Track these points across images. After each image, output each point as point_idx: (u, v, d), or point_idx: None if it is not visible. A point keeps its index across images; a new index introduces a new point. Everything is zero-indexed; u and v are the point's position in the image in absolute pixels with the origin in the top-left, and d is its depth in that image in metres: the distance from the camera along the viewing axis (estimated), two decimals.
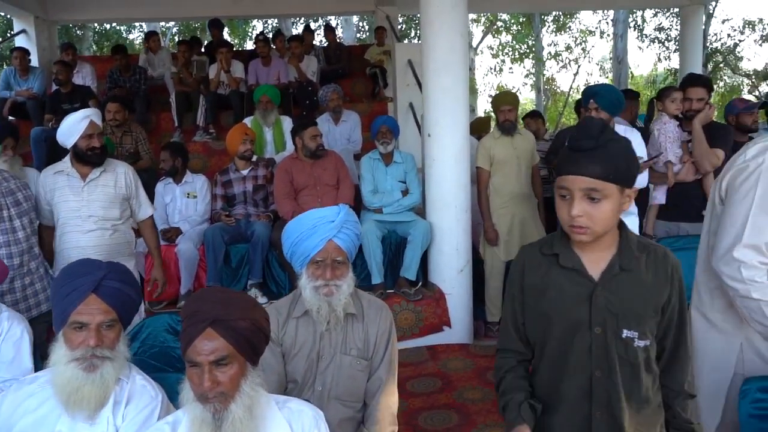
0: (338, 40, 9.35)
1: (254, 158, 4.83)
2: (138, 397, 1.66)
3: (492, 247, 4.49)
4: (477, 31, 19.57)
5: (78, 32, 16.48)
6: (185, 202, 4.70)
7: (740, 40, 18.48)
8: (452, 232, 4.32)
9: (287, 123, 5.59)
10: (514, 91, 19.98)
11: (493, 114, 4.98)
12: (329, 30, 8.84)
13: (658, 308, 1.48)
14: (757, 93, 18.45)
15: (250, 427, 1.39)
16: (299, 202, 4.41)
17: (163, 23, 16.48)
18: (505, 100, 4.44)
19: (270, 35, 8.24)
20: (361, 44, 11.74)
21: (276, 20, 15.29)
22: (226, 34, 14.37)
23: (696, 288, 2.02)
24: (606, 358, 1.47)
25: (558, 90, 20.75)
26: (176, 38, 16.02)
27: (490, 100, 19.89)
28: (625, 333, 1.46)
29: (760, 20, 18.63)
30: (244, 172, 4.71)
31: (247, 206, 4.68)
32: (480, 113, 18.81)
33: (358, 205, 4.66)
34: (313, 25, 14.68)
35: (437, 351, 4.28)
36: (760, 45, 19.59)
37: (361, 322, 1.97)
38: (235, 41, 18.40)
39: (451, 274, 4.38)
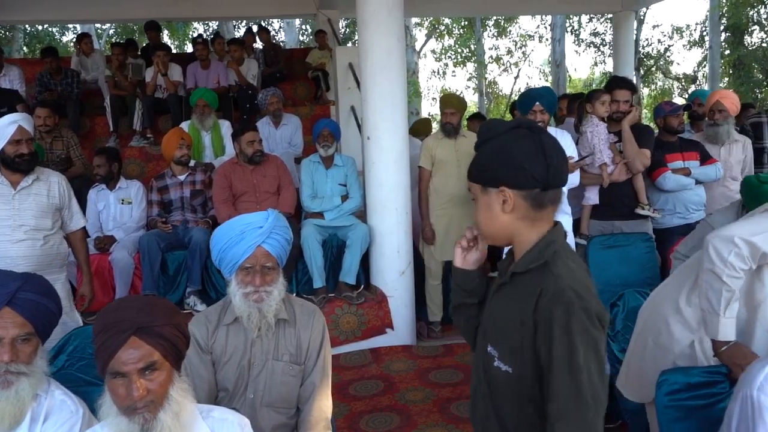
0: (273, 41, 9.27)
1: (192, 163, 4.73)
2: (57, 413, 1.60)
3: (429, 247, 4.54)
4: (420, 35, 19.80)
5: (7, 34, 15.80)
6: (120, 208, 4.57)
7: (669, 45, 19.31)
8: (393, 235, 4.34)
9: (226, 127, 5.51)
10: (458, 93, 20.31)
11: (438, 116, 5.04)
12: (263, 30, 8.76)
13: (519, 337, 1.26)
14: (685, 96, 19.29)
15: None
16: (238, 208, 4.34)
17: (98, 25, 15.97)
18: (449, 102, 4.49)
19: (210, 38, 8.10)
20: (304, 47, 11.67)
21: (217, 23, 15.06)
22: (165, 37, 14.05)
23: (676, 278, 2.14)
24: (476, 367, 1.40)
25: (500, 93, 21.15)
26: (112, 40, 15.55)
27: (434, 103, 20.15)
28: (489, 348, 1.34)
29: (687, 26, 19.51)
30: (181, 178, 4.61)
31: (185, 212, 4.58)
32: (424, 116, 19.01)
33: (301, 210, 4.64)
34: (254, 28, 14.55)
35: (380, 353, 4.29)
36: (688, 50, 20.45)
37: (294, 328, 1.96)
38: (175, 44, 18.01)
39: (392, 276, 4.40)
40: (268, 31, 8.96)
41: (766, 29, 17.12)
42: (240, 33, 15.19)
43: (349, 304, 4.34)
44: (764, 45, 17.18)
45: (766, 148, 4.60)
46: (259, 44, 8.77)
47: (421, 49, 19.41)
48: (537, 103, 3.60)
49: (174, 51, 11.50)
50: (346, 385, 3.85)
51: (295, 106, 7.58)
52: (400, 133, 4.27)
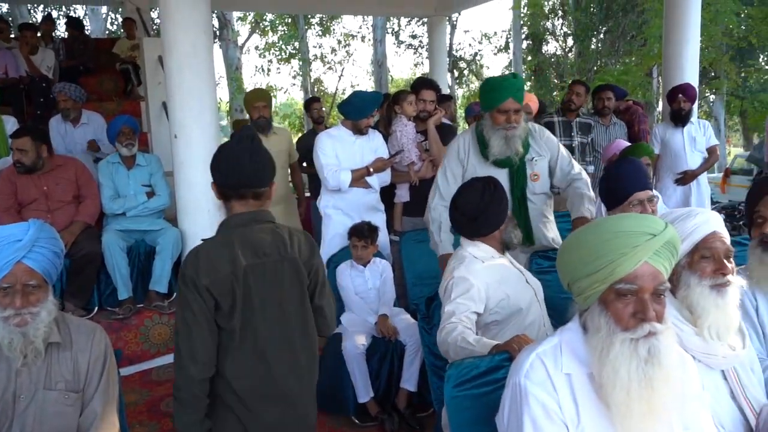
0: (86, 32, 8.48)
1: None
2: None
3: None
4: (244, 30, 19.30)
5: None
6: None
7: (479, 50, 20.83)
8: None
9: (11, 124, 4.86)
10: (282, 91, 20.14)
11: None
12: (73, 22, 7.95)
13: None
14: None
15: None
16: (26, 218, 3.83)
17: None
18: (258, 96, 4.37)
19: None
20: (111, 37, 10.78)
21: (7, 5, 13.35)
22: None
23: None
24: None
25: (325, 91, 21.34)
26: None
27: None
28: None
29: (495, 33, 21.16)
30: None
31: None
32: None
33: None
34: (54, 14, 13.14)
35: None
36: (495, 54, 22.23)
37: (69, 351, 1.74)
38: None
39: None
40: (81, 23, 8.13)
41: (559, 40, 19.15)
42: (36, 19, 13.66)
43: (160, 314, 4.06)
44: (558, 54, 19.19)
45: None
46: (61, 33, 7.93)
47: (244, 44, 18.91)
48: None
49: None
50: (157, 402, 3.60)
51: (101, 102, 6.95)
52: (210, 131, 4.06)
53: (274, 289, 1.78)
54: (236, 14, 16.76)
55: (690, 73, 5.60)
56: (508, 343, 1.76)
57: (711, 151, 5.24)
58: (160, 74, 6.07)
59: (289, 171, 4.89)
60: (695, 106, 5.48)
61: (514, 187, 2.91)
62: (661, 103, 6.16)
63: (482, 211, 2.30)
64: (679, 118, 5.11)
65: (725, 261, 1.65)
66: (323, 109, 6.41)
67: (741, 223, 8.34)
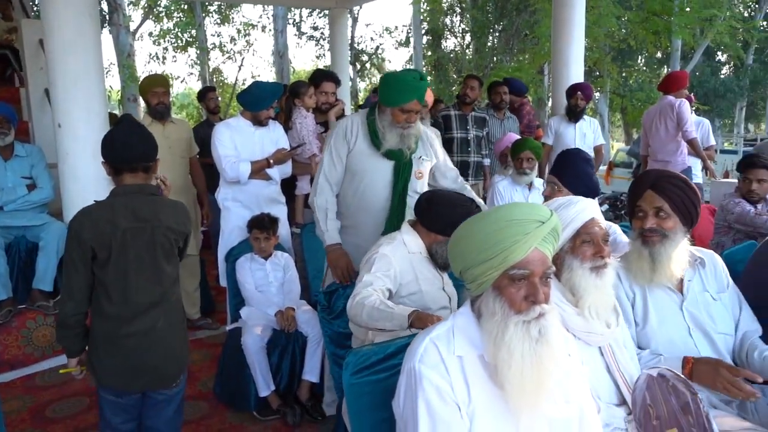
0: None
1: None
2: None
3: None
4: (136, 15, 18.35)
5: None
6: None
7: (381, 44, 21.02)
8: None
9: None
10: (179, 81, 19.37)
11: None
12: None
13: None
14: None
15: None
16: None
17: None
18: (157, 81, 4.18)
19: None
20: None
21: None
22: None
23: None
24: None
25: (225, 81, 20.76)
26: None
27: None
28: None
29: (396, 28, 21.44)
30: None
31: None
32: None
33: None
34: None
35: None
36: (396, 49, 22.52)
37: None
38: None
39: None
40: None
41: (457, 36, 19.69)
42: None
43: (44, 314, 3.81)
44: (456, 50, 19.73)
45: (454, 138, 5.24)
46: None
47: (136, 30, 17.99)
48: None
49: None
50: (42, 408, 3.39)
51: None
52: (98, 120, 3.84)
53: (147, 249, 2.12)
54: None
55: (576, 71, 5.94)
56: (430, 318, 1.83)
57: (596, 150, 5.61)
58: (42, 59, 5.68)
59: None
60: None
61: (398, 181, 2.84)
62: (551, 99, 6.49)
63: (445, 207, 2.36)
64: (574, 114, 5.44)
65: (603, 244, 1.79)
66: (219, 99, 6.22)
67: (623, 212, 8.99)
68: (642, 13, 12.30)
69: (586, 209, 1.83)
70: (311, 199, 2.93)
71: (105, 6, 14.29)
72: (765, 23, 21.77)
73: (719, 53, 22.98)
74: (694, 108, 5.77)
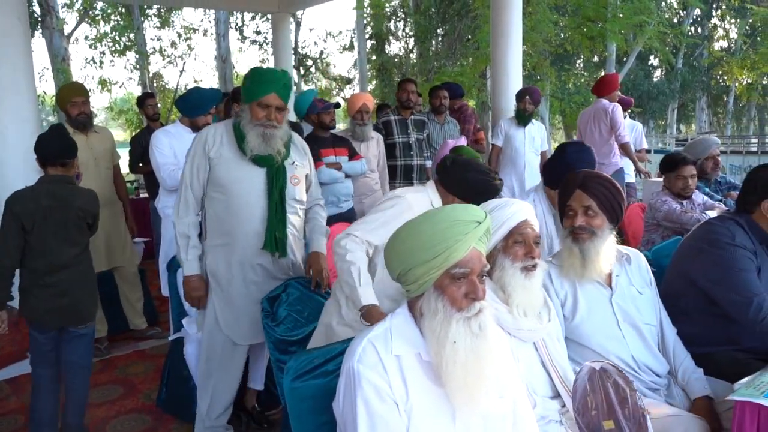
0: None
1: None
2: None
3: None
4: (71, 17, 17.73)
5: None
6: None
7: (325, 48, 20.99)
8: None
9: None
10: (118, 86, 18.82)
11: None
12: None
13: None
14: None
15: None
16: None
17: None
18: (76, 91, 4.04)
19: None
20: None
21: None
22: None
23: None
24: None
25: (166, 86, 20.29)
26: None
27: (93, 93, 18.27)
28: None
29: (340, 32, 21.46)
30: None
31: None
32: None
33: None
34: None
35: (21, 383, 3.73)
36: (341, 53, 22.54)
37: None
38: None
39: None
40: None
41: (401, 41, 19.87)
42: None
43: None
44: (401, 54, 19.90)
45: (396, 142, 5.29)
46: None
47: (71, 33, 17.38)
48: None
49: None
50: None
51: None
52: (30, 127, 3.74)
53: (61, 222, 2.79)
54: (61, 0, 15.40)
55: (514, 75, 6.11)
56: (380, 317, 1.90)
57: (542, 155, 5.78)
58: None
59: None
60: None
61: (273, 189, 2.59)
62: (492, 103, 6.64)
63: (469, 171, 2.27)
64: (523, 118, 5.59)
65: (534, 246, 1.86)
66: (158, 105, 6.07)
67: None
68: (577, 18, 12.73)
69: (520, 210, 1.90)
70: (174, 220, 2.65)
71: (37, 9, 13.76)
72: (692, 29, 22.87)
73: (652, 57, 23.98)
74: (629, 111, 6.01)
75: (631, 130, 6.00)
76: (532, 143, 5.61)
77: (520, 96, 5.61)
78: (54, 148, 2.85)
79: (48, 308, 2.78)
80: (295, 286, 2.68)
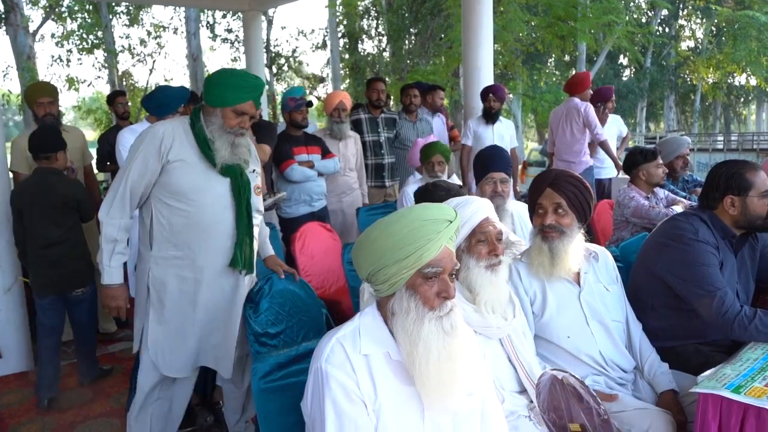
0: None
1: None
2: None
3: None
4: (36, 15, 17.35)
5: None
6: None
7: (297, 47, 20.88)
8: None
9: None
10: (86, 84, 18.48)
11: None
12: None
13: None
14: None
15: None
16: None
17: None
18: (42, 91, 3.97)
19: None
20: None
21: None
22: None
23: None
24: None
25: (135, 85, 19.98)
26: None
27: (61, 91, 17.79)
28: None
29: (313, 31, 21.35)
30: None
31: None
32: None
33: None
34: None
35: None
36: (314, 51, 22.44)
37: None
38: None
39: None
40: None
41: (374, 39, 19.86)
42: None
43: None
44: (374, 52, 19.89)
45: (366, 141, 5.28)
46: None
47: (36, 31, 17.01)
48: None
49: None
50: None
51: None
52: None
53: (48, 206, 3.37)
54: None
55: (485, 73, 6.13)
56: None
57: (511, 152, 5.79)
58: None
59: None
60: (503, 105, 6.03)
61: (240, 200, 2.41)
62: (464, 102, 6.66)
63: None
64: (490, 116, 5.58)
65: (497, 243, 1.87)
66: (128, 104, 5.97)
67: None
68: (548, 18, 12.89)
69: (481, 208, 1.90)
70: (101, 219, 2.39)
71: (1, 6, 13.43)
72: (660, 29, 23.28)
73: (621, 57, 24.37)
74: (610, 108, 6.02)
75: (616, 122, 6.12)
76: (501, 141, 5.58)
77: (484, 95, 5.57)
78: (35, 143, 3.39)
79: (44, 277, 3.40)
80: (278, 279, 2.63)
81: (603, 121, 5.75)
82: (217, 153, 2.33)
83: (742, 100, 31.76)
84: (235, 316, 2.52)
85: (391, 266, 1.46)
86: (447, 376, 1.44)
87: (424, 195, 2.53)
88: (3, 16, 13.49)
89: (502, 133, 5.66)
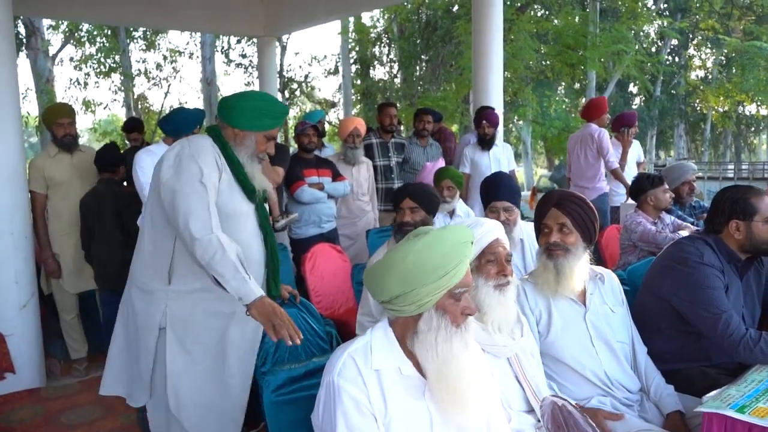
0: None
1: None
2: None
3: (57, 279, 4.11)
4: (56, 39, 17.75)
5: None
6: None
7: (309, 72, 21.20)
8: (9, 263, 3.75)
9: None
10: (102, 107, 18.79)
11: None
12: None
13: None
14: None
15: None
16: None
17: None
18: (62, 112, 4.09)
19: None
20: None
21: None
22: None
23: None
24: None
25: (150, 108, 20.30)
26: None
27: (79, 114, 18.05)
28: None
29: (325, 56, 21.69)
30: None
31: None
32: None
33: None
34: None
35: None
36: (326, 77, 22.75)
37: None
38: None
39: (11, 311, 3.79)
40: None
41: (385, 66, 20.12)
42: None
43: None
44: (385, 78, 20.14)
45: (377, 165, 5.36)
46: None
47: (56, 54, 17.40)
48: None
49: None
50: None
51: None
52: (11, 145, 3.73)
53: (106, 214, 3.88)
54: (47, 22, 15.41)
55: (495, 100, 6.21)
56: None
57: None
58: None
59: None
60: (501, 130, 6.06)
61: (267, 226, 2.36)
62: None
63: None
64: (485, 142, 5.57)
65: (506, 264, 1.92)
66: (143, 138, 5.97)
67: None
68: (557, 46, 13.05)
69: (491, 230, 1.95)
70: (198, 250, 2.00)
71: (22, 29, 13.77)
72: (670, 58, 23.43)
73: (631, 85, 24.49)
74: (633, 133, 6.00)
75: (635, 147, 6.10)
76: (498, 166, 5.51)
77: (477, 122, 5.51)
78: (98, 159, 4.02)
79: (103, 272, 3.93)
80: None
81: (627, 145, 5.76)
82: (254, 179, 2.26)
83: (752, 129, 31.73)
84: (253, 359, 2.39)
85: (423, 288, 1.50)
86: (473, 390, 1.52)
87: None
88: (24, 40, 13.82)
89: (500, 158, 5.59)
